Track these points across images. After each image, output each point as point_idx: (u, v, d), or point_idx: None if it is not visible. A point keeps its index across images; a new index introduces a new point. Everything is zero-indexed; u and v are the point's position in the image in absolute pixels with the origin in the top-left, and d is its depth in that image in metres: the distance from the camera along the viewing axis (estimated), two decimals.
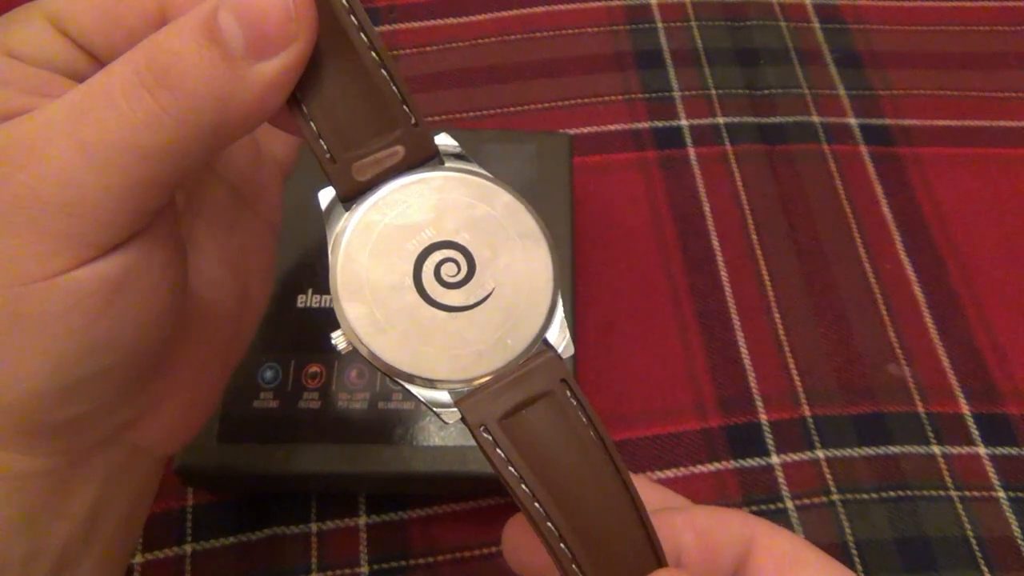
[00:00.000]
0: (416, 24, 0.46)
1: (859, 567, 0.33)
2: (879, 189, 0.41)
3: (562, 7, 0.47)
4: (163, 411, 0.23)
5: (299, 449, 0.31)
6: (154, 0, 0.20)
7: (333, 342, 0.19)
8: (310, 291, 0.34)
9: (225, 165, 0.24)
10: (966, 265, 0.39)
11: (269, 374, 0.32)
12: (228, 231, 0.24)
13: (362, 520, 0.33)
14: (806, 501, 0.34)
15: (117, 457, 0.23)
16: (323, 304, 0.34)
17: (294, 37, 0.18)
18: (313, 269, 0.35)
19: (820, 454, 0.35)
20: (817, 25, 0.47)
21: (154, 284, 0.19)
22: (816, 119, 0.43)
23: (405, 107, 0.19)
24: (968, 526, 0.33)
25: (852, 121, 0.43)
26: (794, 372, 0.36)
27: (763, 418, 0.35)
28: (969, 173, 0.42)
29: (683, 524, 0.23)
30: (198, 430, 0.24)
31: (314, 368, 0.32)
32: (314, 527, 0.33)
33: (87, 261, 0.18)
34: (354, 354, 0.19)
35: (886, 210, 0.41)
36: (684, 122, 0.43)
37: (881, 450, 0.35)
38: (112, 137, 0.17)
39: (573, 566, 0.18)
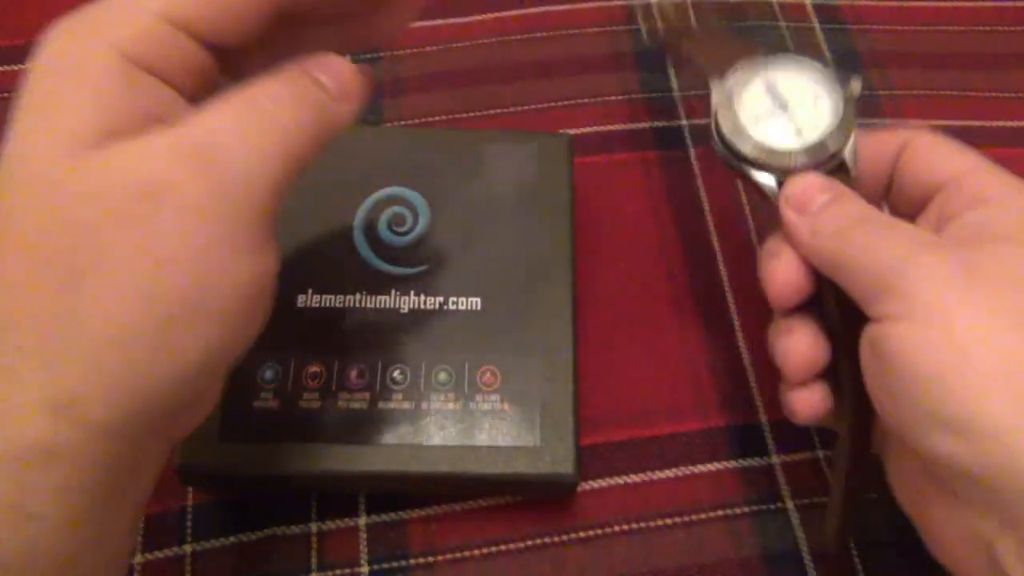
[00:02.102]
0: (416, 24, 0.46)
1: (859, 567, 0.33)
2: None
3: (562, 7, 0.47)
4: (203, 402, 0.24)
5: (300, 449, 0.31)
6: None
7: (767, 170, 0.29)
8: (309, 291, 0.33)
9: None
10: None
11: (269, 373, 0.32)
12: None
13: (362, 520, 0.33)
14: (806, 501, 0.34)
15: (165, 448, 0.24)
16: (323, 303, 0.33)
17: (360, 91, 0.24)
18: (312, 269, 0.34)
19: (820, 453, 0.35)
20: (817, 25, 0.47)
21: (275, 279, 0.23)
22: None
23: None
24: None
25: None
26: None
27: (763, 418, 0.35)
28: None
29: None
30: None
31: (314, 368, 0.32)
32: (314, 527, 0.33)
33: (261, 258, 0.22)
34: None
35: (886, 209, 0.40)
36: (684, 122, 0.43)
37: None
38: (273, 147, 0.21)
39: None
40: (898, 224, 0.27)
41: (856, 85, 0.30)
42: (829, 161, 0.29)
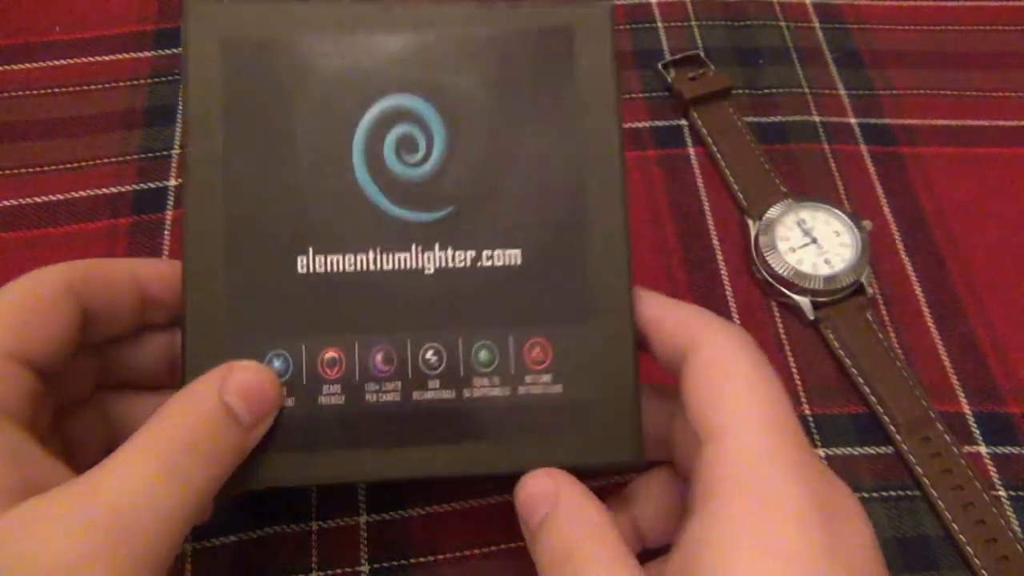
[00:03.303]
0: None
1: None
2: (879, 189, 0.41)
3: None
4: None
5: (329, 458, 0.26)
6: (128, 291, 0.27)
7: None
8: (310, 251, 0.27)
9: None
10: (967, 264, 0.39)
11: (279, 364, 0.26)
12: None
13: (362, 519, 0.33)
14: None
15: None
16: (330, 267, 0.27)
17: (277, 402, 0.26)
18: (310, 221, 0.27)
19: (821, 452, 0.35)
20: (817, 25, 0.47)
21: None
22: (816, 119, 0.43)
23: None
24: None
25: (852, 121, 0.43)
26: (794, 370, 0.36)
27: None
28: (970, 173, 0.42)
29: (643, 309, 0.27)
30: None
31: (331, 353, 0.27)
32: (314, 526, 0.33)
33: None
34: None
35: (886, 210, 0.41)
36: (684, 122, 0.43)
37: (882, 449, 0.35)
38: (184, 510, 0.23)
39: None
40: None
41: (867, 223, 0.38)
42: (851, 285, 0.37)
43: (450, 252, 0.27)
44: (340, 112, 0.27)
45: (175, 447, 0.23)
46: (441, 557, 0.32)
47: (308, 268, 0.27)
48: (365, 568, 0.32)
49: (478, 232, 0.27)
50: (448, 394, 0.27)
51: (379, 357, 0.27)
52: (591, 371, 0.27)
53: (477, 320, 0.27)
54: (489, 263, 0.27)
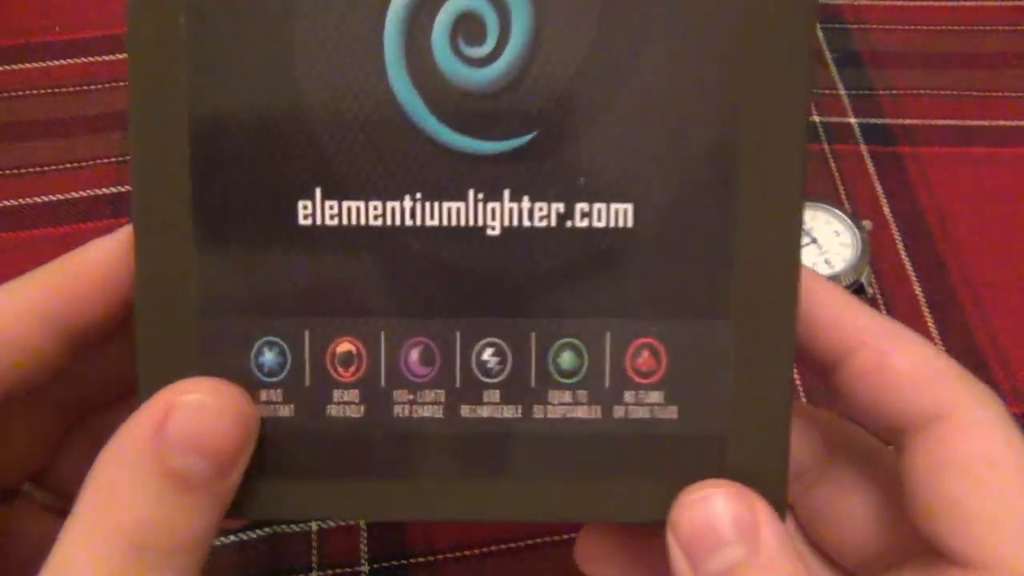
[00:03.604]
0: None
1: None
2: (879, 188, 0.41)
3: None
4: None
5: (341, 491, 0.19)
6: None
7: None
8: (317, 192, 0.19)
9: None
10: (966, 264, 0.39)
11: (270, 358, 0.19)
12: None
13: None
14: None
15: None
16: (345, 218, 0.19)
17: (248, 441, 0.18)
18: (318, 145, 0.18)
19: None
20: (817, 24, 0.47)
21: None
22: (816, 118, 0.43)
23: None
24: None
25: (852, 120, 0.43)
26: (794, 371, 0.36)
27: None
28: (969, 173, 0.42)
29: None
30: None
31: (346, 345, 0.19)
32: (314, 525, 0.33)
33: None
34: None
35: (886, 209, 0.41)
36: None
37: None
38: None
39: None
40: None
41: (867, 223, 0.38)
42: (851, 285, 0.37)
43: (526, 204, 0.18)
44: None
45: (119, 553, 0.16)
46: (441, 557, 0.32)
47: (314, 218, 0.19)
48: (365, 568, 0.32)
49: (570, 174, 0.18)
50: (512, 411, 0.19)
51: (415, 354, 0.19)
52: (723, 391, 0.19)
53: (561, 307, 0.19)
54: (585, 223, 0.19)
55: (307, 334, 0.19)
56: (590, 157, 0.18)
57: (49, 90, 0.43)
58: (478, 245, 0.19)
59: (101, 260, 0.20)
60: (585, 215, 0.19)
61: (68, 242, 0.38)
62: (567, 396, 0.19)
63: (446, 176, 0.18)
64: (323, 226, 0.18)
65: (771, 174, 0.18)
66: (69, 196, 0.40)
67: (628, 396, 0.19)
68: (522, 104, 0.18)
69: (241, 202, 0.19)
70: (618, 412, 0.19)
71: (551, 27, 0.18)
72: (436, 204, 0.18)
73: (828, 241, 0.38)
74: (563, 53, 0.18)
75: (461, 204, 0.18)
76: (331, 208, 0.18)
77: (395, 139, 0.18)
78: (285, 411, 0.19)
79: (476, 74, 0.18)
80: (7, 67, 0.44)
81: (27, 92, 0.43)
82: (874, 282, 0.38)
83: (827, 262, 0.37)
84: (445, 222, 0.19)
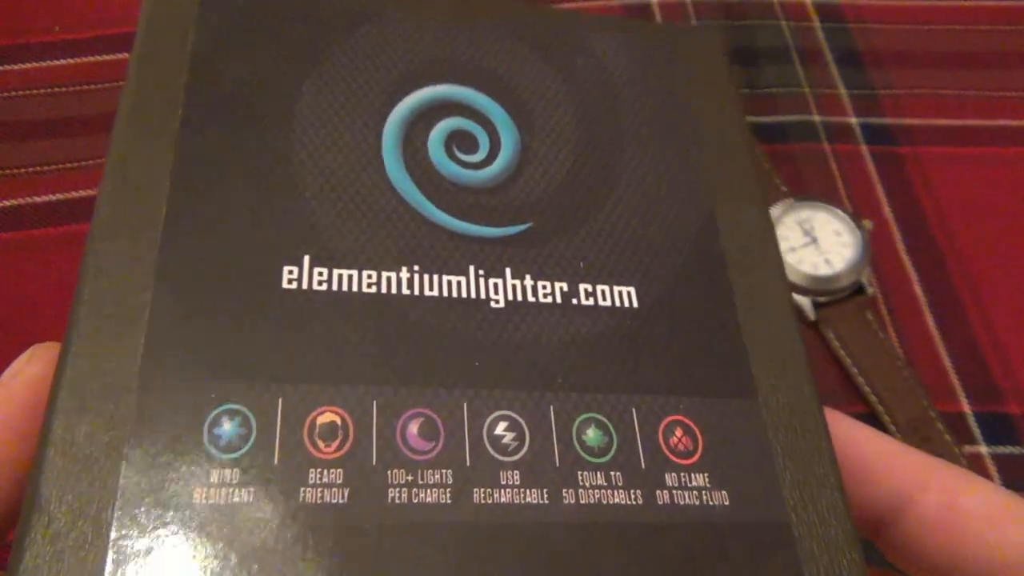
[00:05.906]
0: None
1: None
2: (880, 188, 0.41)
3: (562, 7, 0.47)
4: None
5: None
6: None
7: None
8: (305, 260, 0.17)
9: None
10: (967, 264, 0.39)
11: (228, 429, 0.15)
12: None
13: None
14: None
15: None
16: (335, 285, 0.17)
17: None
18: (310, 217, 0.18)
19: None
20: (818, 24, 0.47)
21: None
22: (817, 118, 0.43)
23: None
24: None
25: (853, 120, 0.43)
26: None
27: None
28: (969, 172, 0.42)
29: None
30: None
31: (328, 415, 0.16)
32: None
33: None
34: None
35: (886, 209, 0.41)
36: None
37: None
38: None
39: None
40: None
41: (867, 223, 0.38)
42: (851, 285, 0.37)
43: (528, 282, 0.18)
44: (365, 93, 0.19)
45: None
46: None
47: (299, 283, 0.17)
48: None
49: (570, 258, 0.18)
50: (535, 497, 0.16)
51: (414, 427, 0.16)
52: (771, 473, 0.17)
53: (579, 380, 0.17)
54: (590, 301, 0.18)
55: (280, 401, 0.16)
56: (586, 246, 0.19)
57: (49, 90, 0.43)
58: (482, 316, 0.17)
59: (30, 387, 0.17)
60: (590, 294, 0.18)
61: (68, 242, 0.38)
62: (600, 478, 0.16)
63: (445, 251, 0.18)
64: (308, 290, 0.17)
65: (754, 263, 0.20)
66: (69, 196, 0.40)
67: (670, 478, 0.16)
68: (517, 198, 0.19)
69: (215, 253, 0.17)
70: (662, 497, 0.16)
71: (536, 146, 0.20)
72: (435, 276, 0.18)
73: (828, 241, 0.38)
74: (547, 165, 0.20)
75: (462, 278, 0.18)
76: (320, 274, 0.17)
77: (391, 218, 0.18)
78: (243, 495, 0.15)
79: (472, 174, 0.19)
80: (7, 67, 0.44)
81: (27, 92, 0.43)
82: (874, 282, 0.38)
83: (827, 262, 0.37)
84: (446, 293, 0.17)
